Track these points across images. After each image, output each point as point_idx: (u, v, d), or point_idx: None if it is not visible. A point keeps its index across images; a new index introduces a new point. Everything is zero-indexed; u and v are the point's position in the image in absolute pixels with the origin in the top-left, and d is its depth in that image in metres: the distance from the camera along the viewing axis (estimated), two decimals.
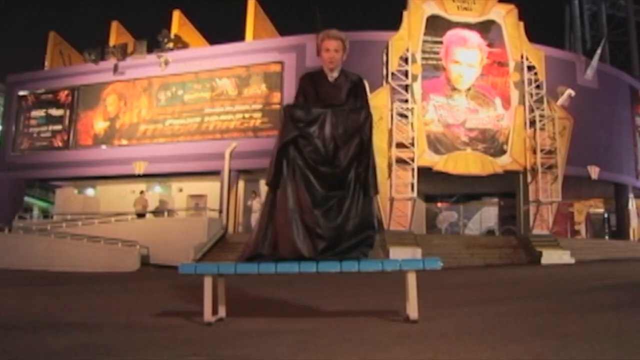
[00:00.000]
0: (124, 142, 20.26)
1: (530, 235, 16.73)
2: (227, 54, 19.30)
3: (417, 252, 14.54)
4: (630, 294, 5.89)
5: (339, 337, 3.13)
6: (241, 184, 19.38)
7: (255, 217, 18.01)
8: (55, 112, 21.57)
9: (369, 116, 3.69)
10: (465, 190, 22.03)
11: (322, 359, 2.55)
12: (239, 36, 20.11)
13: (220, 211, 18.00)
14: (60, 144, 21.26)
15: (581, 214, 24.34)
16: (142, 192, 19.64)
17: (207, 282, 3.61)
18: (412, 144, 16.62)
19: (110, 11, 50.86)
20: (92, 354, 2.85)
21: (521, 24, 18.23)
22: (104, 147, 20.50)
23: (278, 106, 18.23)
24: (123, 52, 20.61)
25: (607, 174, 19.21)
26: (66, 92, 21.52)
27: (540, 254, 15.01)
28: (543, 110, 17.48)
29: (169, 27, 20.92)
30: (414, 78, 17.33)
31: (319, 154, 3.58)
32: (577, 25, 38.02)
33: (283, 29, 21.61)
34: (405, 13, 17.83)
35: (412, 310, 3.51)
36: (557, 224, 19.23)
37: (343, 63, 3.73)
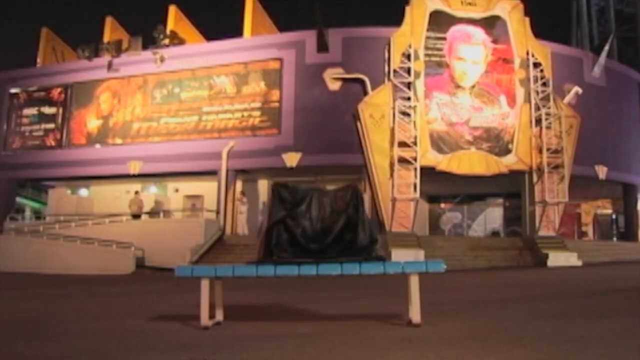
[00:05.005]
0: (119, 141, 19.88)
1: (536, 236, 16.53)
2: (224, 51, 18.98)
3: (420, 254, 14.37)
4: (639, 297, 5.99)
5: (339, 342, 3.15)
6: (239, 184, 19.06)
7: (241, 219, 17.81)
8: (47, 110, 21.23)
9: (354, 192, 3.87)
10: (469, 191, 21.85)
11: None
12: (237, 32, 19.84)
13: (218, 212, 17.74)
14: (53, 143, 20.92)
15: (588, 215, 24.17)
16: (137, 193, 19.36)
17: (204, 285, 3.64)
18: (415, 143, 16.33)
19: (104, 6, 50.54)
20: (86, 359, 2.87)
21: (527, 19, 17.96)
22: (97, 146, 20.13)
23: (277, 104, 17.90)
24: (117, 48, 20.31)
25: (615, 174, 18.96)
26: (59, 89, 21.18)
27: (547, 256, 14.89)
28: (549, 108, 17.19)
29: (164, 23, 20.63)
30: (417, 75, 17.06)
31: (307, 234, 3.75)
32: (585, 21, 37.88)
33: (282, 25, 21.46)
34: (407, 8, 17.54)
35: (415, 313, 3.53)
36: (564, 225, 19.01)
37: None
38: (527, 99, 17.31)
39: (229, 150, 17.94)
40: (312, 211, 3.79)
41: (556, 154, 16.91)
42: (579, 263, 14.59)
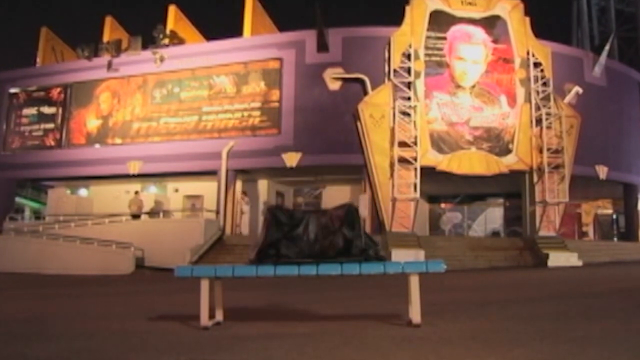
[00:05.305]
0: (118, 141, 19.83)
1: (537, 236, 16.48)
2: (224, 50, 18.94)
3: (420, 254, 14.34)
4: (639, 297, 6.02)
5: (339, 342, 3.13)
6: (239, 184, 18.99)
7: (244, 219, 18.22)
8: (47, 110, 21.18)
9: (350, 211, 3.86)
10: (469, 191, 21.82)
11: None
12: (237, 32, 19.79)
13: (217, 212, 17.70)
14: (52, 143, 20.86)
15: (589, 215, 24.14)
16: (136, 193, 19.33)
17: (204, 285, 3.64)
18: (415, 143, 16.29)
19: (104, 6, 50.43)
20: (86, 359, 2.87)
21: (527, 19, 17.92)
22: (97, 146, 20.08)
23: (277, 104, 17.87)
24: (117, 48, 20.25)
25: (616, 174, 18.92)
26: (58, 89, 21.13)
27: (547, 256, 14.86)
28: (550, 108, 17.15)
29: (164, 23, 20.58)
30: (417, 75, 17.02)
31: (304, 254, 3.73)
32: (585, 21, 37.82)
33: (282, 25, 21.40)
34: (407, 8, 17.50)
35: (415, 314, 3.54)
36: (564, 226, 18.95)
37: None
38: (528, 99, 17.27)
39: (229, 150, 17.89)
40: (309, 233, 3.76)
41: (556, 154, 16.87)
42: (580, 263, 14.56)
